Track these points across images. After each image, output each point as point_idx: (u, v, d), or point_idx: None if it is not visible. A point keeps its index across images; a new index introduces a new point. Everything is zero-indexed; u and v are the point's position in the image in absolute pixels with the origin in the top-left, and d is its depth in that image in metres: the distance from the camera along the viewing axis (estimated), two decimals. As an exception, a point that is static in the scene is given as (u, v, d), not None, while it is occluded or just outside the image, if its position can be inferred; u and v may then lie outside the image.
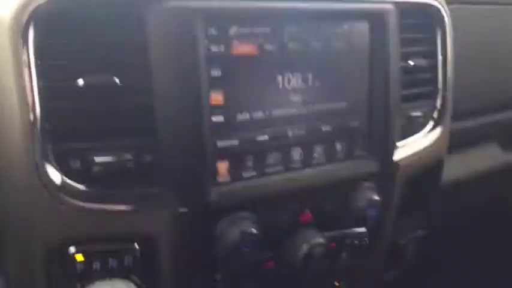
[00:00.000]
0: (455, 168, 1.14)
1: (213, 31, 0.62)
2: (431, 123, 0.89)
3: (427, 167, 0.89)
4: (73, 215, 0.59)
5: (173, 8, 0.60)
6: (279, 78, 0.68)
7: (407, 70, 0.82)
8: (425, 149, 0.87)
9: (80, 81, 0.58)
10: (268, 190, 0.69)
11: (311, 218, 0.74)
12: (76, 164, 0.59)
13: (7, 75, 0.56)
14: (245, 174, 0.68)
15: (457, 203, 1.23)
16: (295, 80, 0.69)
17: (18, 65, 0.55)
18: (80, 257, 0.61)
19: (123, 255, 0.63)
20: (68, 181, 0.59)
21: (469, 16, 1.12)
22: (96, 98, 0.59)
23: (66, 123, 0.59)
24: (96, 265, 0.61)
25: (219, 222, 0.66)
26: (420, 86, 0.86)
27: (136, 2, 0.60)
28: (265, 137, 0.68)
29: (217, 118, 0.64)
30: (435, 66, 0.87)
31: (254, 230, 0.66)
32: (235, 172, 0.67)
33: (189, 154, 0.63)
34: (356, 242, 0.80)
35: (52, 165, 0.58)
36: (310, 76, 0.70)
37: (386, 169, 0.80)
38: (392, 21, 0.75)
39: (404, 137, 0.84)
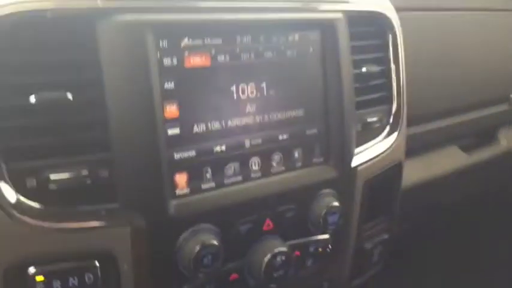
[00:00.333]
0: (417, 171, 1.17)
1: (164, 44, 0.63)
2: (387, 128, 0.90)
3: (387, 172, 0.90)
4: (31, 235, 0.58)
5: (123, 22, 0.60)
6: (233, 88, 0.68)
7: (361, 77, 0.84)
8: (383, 153, 0.88)
9: (32, 99, 0.57)
10: (228, 201, 0.69)
11: (273, 227, 0.74)
12: (32, 183, 0.58)
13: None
14: (204, 186, 0.68)
15: (421, 206, 1.26)
16: (249, 90, 0.70)
17: None
18: (39, 278, 0.59)
19: (83, 273, 0.62)
20: (24, 200, 0.58)
21: (422, 22, 1.15)
22: (49, 114, 0.58)
23: (20, 142, 0.58)
24: (57, 284, 0.60)
25: (180, 236, 0.66)
26: (375, 92, 0.88)
27: (86, 16, 0.59)
28: (223, 148, 0.69)
29: (173, 130, 0.64)
30: (388, 72, 0.89)
31: (215, 242, 0.66)
32: (194, 184, 0.67)
33: (146, 168, 0.62)
34: (320, 249, 0.81)
35: (7, 183, 0.57)
36: (264, 85, 0.71)
37: (345, 175, 0.81)
38: (342, 29, 0.77)
39: (362, 142, 0.85)
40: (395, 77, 0.90)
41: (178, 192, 0.66)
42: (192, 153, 0.66)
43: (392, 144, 0.90)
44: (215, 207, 0.68)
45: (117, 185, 0.62)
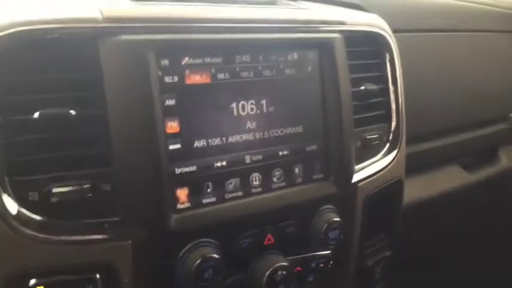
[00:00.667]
0: (419, 189, 1.17)
1: (165, 62, 0.64)
2: (387, 146, 0.91)
3: (387, 188, 0.91)
4: (32, 247, 0.59)
5: (125, 41, 0.62)
6: (234, 105, 0.70)
7: (360, 95, 0.85)
8: (383, 170, 0.89)
9: (36, 115, 0.59)
10: (228, 215, 0.70)
11: (274, 242, 0.75)
12: (34, 196, 0.60)
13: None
14: (205, 201, 0.69)
15: (423, 224, 1.26)
16: (249, 107, 0.71)
17: None
18: None
19: (84, 285, 0.62)
20: (26, 212, 0.59)
21: (422, 43, 1.17)
22: (52, 130, 0.60)
23: (23, 156, 0.59)
24: None
25: (181, 249, 0.67)
26: (374, 110, 0.89)
27: (89, 35, 0.62)
28: (223, 163, 0.70)
29: (174, 146, 0.66)
30: (387, 91, 0.91)
31: (216, 255, 0.67)
32: (195, 199, 0.68)
33: (148, 182, 0.64)
34: (321, 265, 0.82)
35: (10, 196, 0.58)
36: (264, 102, 0.73)
37: (345, 191, 0.82)
38: (340, 48, 0.78)
39: (362, 159, 0.86)
40: (393, 96, 0.91)
41: (179, 206, 0.67)
42: (193, 168, 0.67)
43: (392, 161, 0.91)
44: (216, 222, 0.69)
45: (118, 198, 0.63)
